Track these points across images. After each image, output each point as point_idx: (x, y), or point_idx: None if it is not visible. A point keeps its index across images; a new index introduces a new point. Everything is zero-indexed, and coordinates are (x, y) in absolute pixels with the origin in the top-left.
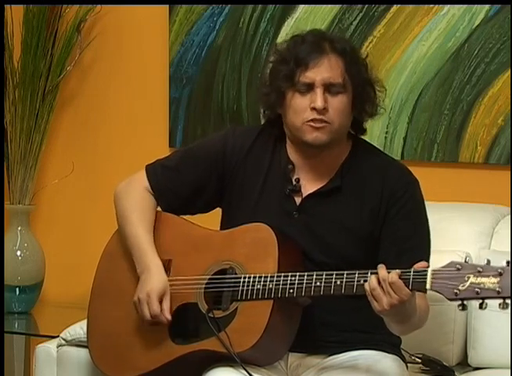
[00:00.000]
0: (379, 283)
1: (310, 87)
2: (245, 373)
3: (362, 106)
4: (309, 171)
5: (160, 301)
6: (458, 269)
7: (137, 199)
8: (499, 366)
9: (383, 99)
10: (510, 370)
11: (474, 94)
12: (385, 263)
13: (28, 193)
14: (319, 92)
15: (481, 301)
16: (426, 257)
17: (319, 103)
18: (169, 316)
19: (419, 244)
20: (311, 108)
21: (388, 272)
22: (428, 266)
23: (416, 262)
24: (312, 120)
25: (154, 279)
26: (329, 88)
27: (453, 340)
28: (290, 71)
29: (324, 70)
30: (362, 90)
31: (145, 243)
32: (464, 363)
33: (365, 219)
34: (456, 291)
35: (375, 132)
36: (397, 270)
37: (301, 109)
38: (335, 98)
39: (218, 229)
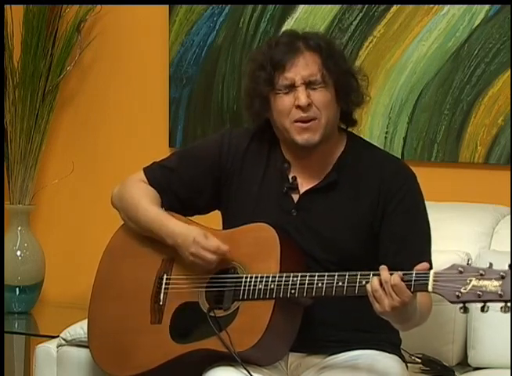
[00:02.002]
0: (381, 284)
1: (291, 87)
2: (245, 372)
3: (347, 97)
4: (305, 169)
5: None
6: (460, 272)
7: (140, 189)
8: (499, 366)
9: (366, 88)
10: (510, 370)
11: (474, 94)
12: (385, 258)
13: (28, 193)
14: (300, 89)
15: (482, 304)
16: (427, 252)
17: (303, 100)
18: (225, 246)
19: (419, 239)
20: (296, 106)
21: (391, 274)
22: (431, 265)
23: (417, 257)
24: (300, 119)
25: (187, 232)
26: (309, 85)
27: (453, 340)
28: (269, 75)
29: (301, 68)
30: (343, 81)
31: (161, 216)
32: (464, 363)
33: (363, 213)
34: (457, 293)
35: (375, 132)
36: (399, 272)
37: (286, 109)
38: (317, 92)
39: (220, 229)
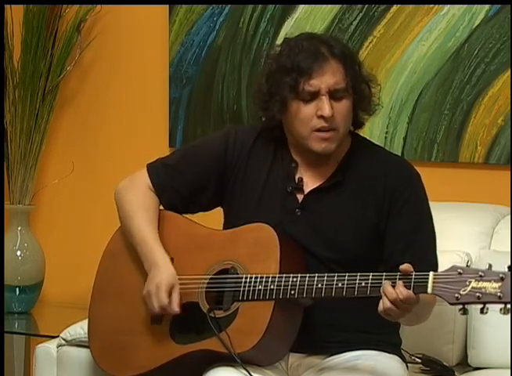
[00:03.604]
0: (391, 301)
1: (315, 95)
2: (245, 373)
3: (360, 104)
4: (311, 169)
5: (170, 295)
6: (459, 274)
7: (140, 197)
8: (499, 366)
9: (378, 97)
10: (510, 370)
11: (474, 94)
12: (391, 258)
13: (28, 193)
14: (325, 99)
15: (482, 305)
16: (432, 250)
17: (328, 111)
18: (177, 308)
19: (424, 237)
20: (319, 116)
21: (393, 284)
22: (436, 263)
23: (423, 256)
24: (320, 129)
25: (163, 272)
26: (333, 94)
27: (453, 340)
28: (294, 81)
29: (328, 77)
30: (362, 90)
31: (151, 239)
32: (464, 363)
33: (368, 213)
34: (457, 295)
35: (375, 132)
36: (400, 282)
37: (308, 118)
38: (340, 103)
39: (221, 228)
